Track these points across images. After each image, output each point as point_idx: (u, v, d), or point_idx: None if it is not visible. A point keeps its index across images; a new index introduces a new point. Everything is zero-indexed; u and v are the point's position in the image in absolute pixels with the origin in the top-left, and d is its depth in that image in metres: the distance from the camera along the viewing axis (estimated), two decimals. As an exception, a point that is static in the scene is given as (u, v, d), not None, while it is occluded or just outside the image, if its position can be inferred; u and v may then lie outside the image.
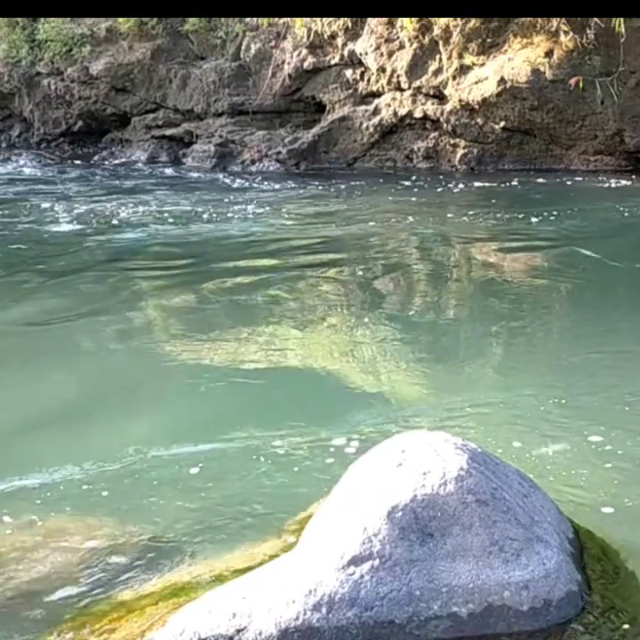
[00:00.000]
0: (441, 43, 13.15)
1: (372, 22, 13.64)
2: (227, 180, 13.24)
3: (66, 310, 6.44)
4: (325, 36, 14.11)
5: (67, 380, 5.02)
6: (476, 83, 12.83)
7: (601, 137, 12.76)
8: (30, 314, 6.38)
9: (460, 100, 13.03)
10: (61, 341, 5.77)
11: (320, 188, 12.22)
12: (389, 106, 13.81)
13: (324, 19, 13.91)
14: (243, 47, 15.02)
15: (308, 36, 14.19)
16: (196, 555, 3.07)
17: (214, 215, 10.08)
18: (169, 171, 14.28)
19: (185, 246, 8.66)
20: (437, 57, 13.27)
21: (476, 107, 12.94)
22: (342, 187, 12.23)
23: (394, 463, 2.69)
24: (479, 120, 13.14)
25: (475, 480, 2.62)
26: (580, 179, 12.13)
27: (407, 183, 12.31)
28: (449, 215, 9.97)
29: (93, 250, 8.49)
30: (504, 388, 4.68)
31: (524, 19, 12.48)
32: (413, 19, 13.09)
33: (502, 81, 12.55)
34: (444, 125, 13.45)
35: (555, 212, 9.71)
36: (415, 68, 13.43)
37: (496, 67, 12.70)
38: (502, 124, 13.00)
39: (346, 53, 14.00)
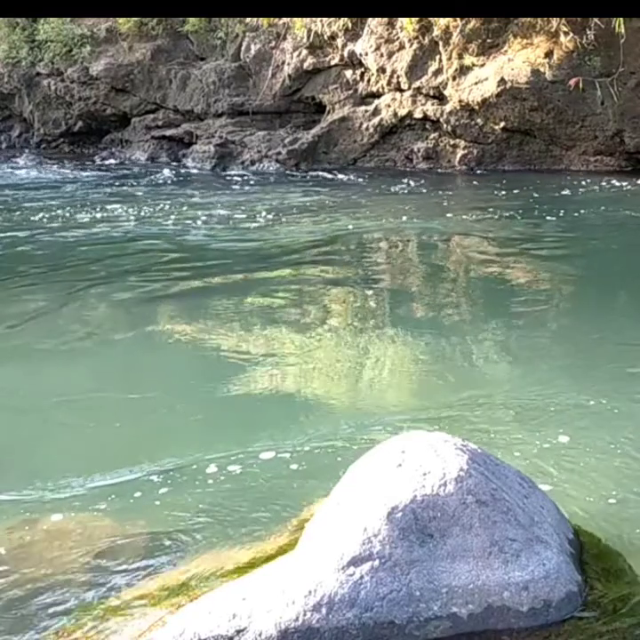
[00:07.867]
0: (441, 43, 13.16)
1: (372, 23, 13.64)
2: (226, 181, 13.24)
3: (52, 310, 6.43)
4: (325, 37, 14.12)
5: (63, 380, 5.01)
6: (476, 83, 12.83)
7: (601, 137, 12.76)
8: (14, 312, 6.39)
9: (460, 101, 13.04)
10: (53, 341, 5.77)
11: (320, 188, 12.22)
12: (389, 106, 13.82)
13: (324, 19, 13.91)
14: (243, 48, 15.03)
15: (308, 37, 14.20)
16: (196, 555, 3.07)
17: (213, 216, 10.08)
18: (169, 171, 14.26)
19: (182, 247, 8.64)
20: (437, 58, 13.27)
21: (476, 107, 12.94)
22: (342, 187, 12.23)
23: (394, 464, 2.69)
24: (479, 120, 13.15)
25: (475, 480, 2.62)
26: (580, 179, 12.13)
27: (407, 184, 12.31)
28: (449, 215, 9.96)
29: (87, 250, 8.46)
30: (504, 388, 4.68)
31: (524, 19, 12.48)
32: (413, 19, 13.09)
33: (502, 81, 12.55)
34: (444, 126, 13.46)
35: (554, 213, 9.71)
36: (415, 69, 13.43)
37: (496, 67, 12.70)
38: (502, 124, 13.00)
39: (346, 54, 14.00)
